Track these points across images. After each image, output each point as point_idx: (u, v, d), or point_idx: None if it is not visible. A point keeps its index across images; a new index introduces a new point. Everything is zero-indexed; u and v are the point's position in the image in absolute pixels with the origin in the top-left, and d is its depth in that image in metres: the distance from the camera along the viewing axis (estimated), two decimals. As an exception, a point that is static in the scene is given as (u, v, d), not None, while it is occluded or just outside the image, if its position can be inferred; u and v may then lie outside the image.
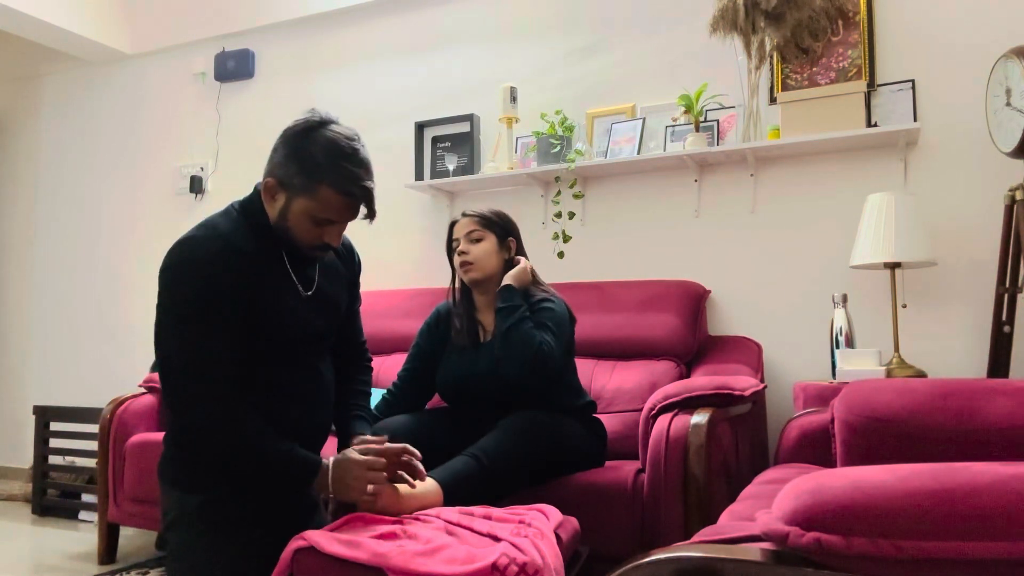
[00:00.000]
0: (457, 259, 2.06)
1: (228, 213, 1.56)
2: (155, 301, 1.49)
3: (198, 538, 1.47)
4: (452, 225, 2.12)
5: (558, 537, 1.47)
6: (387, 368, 2.74)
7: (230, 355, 1.45)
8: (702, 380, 1.97)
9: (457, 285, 2.14)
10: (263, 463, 1.45)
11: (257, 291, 1.48)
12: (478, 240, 2.05)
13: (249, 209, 1.56)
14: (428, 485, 1.64)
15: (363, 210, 1.51)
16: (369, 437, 1.63)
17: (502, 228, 2.09)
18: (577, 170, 2.90)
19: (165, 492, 1.55)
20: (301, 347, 1.59)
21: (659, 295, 2.59)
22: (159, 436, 2.35)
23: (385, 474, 1.52)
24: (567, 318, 2.04)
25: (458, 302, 2.13)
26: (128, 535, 2.96)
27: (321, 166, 1.43)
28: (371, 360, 1.87)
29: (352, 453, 1.52)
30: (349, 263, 1.76)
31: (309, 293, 1.59)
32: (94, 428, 3.00)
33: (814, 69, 2.65)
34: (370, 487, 1.50)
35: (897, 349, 2.32)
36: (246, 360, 1.49)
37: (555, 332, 1.94)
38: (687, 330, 2.50)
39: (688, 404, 1.90)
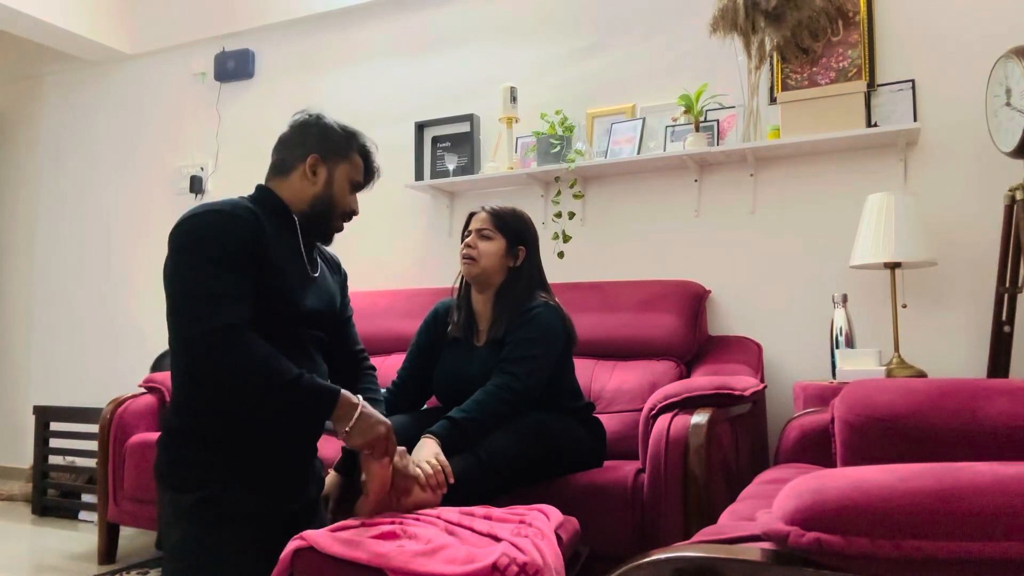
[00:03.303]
0: (462, 250, 2.05)
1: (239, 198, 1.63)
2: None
3: (192, 538, 1.47)
4: (471, 215, 2.10)
5: (558, 537, 1.47)
6: (387, 368, 2.74)
7: (245, 297, 1.47)
8: (702, 380, 1.97)
9: (462, 282, 2.14)
10: (280, 387, 1.43)
11: (270, 255, 1.53)
12: (487, 239, 2.03)
13: (260, 198, 1.64)
14: None
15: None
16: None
17: (515, 235, 2.05)
18: (577, 170, 2.90)
19: (160, 493, 1.55)
20: (302, 328, 1.61)
21: (659, 295, 2.58)
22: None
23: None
24: (556, 326, 1.98)
25: (460, 295, 2.13)
26: (128, 535, 2.96)
27: (346, 137, 1.71)
28: (375, 369, 1.86)
29: (382, 426, 1.52)
30: (337, 271, 1.84)
31: (315, 275, 1.69)
32: (94, 428, 3.00)
33: (814, 69, 2.65)
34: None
35: (897, 349, 2.32)
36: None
37: (529, 358, 1.90)
38: (687, 330, 2.50)
39: (688, 404, 1.90)
